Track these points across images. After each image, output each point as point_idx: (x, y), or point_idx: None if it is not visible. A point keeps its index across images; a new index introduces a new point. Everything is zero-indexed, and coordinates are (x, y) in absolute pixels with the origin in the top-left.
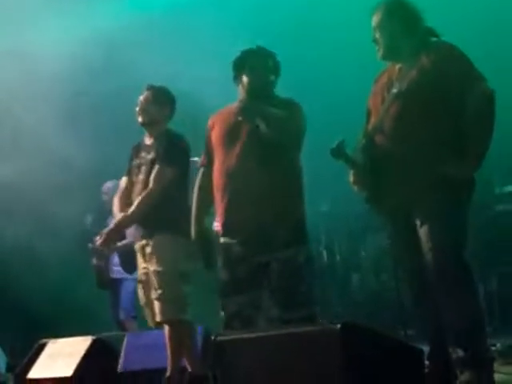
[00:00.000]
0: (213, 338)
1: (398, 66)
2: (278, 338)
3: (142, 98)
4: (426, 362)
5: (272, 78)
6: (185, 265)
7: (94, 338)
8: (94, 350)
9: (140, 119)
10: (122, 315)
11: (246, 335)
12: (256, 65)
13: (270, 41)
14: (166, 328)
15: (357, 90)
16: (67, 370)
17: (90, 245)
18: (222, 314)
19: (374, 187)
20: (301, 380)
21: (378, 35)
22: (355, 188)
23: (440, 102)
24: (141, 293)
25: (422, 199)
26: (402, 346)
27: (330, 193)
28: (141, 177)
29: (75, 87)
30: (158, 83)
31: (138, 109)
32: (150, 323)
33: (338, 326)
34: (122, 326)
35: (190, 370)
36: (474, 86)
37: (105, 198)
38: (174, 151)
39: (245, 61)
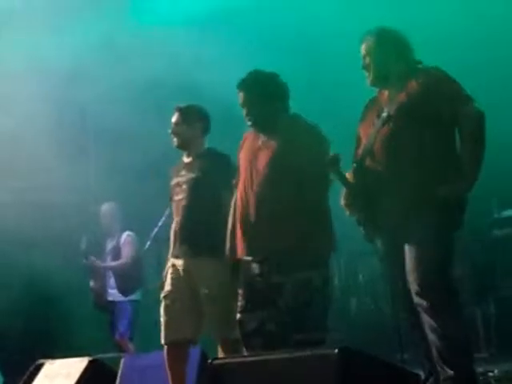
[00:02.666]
0: (209, 361)
1: (386, 93)
2: (276, 363)
3: (172, 120)
4: None
5: (273, 104)
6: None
7: (90, 359)
8: (91, 371)
9: (175, 143)
10: (117, 336)
11: (242, 359)
12: (250, 94)
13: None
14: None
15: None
16: None
17: (84, 261)
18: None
19: (365, 210)
20: None
21: (367, 62)
22: (346, 211)
23: (429, 125)
24: (167, 306)
25: (410, 220)
26: (399, 371)
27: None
28: (182, 195)
29: (76, 107)
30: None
31: (170, 132)
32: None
33: (335, 350)
34: (118, 347)
35: None
36: (464, 108)
37: (103, 220)
38: (226, 174)
39: (239, 91)
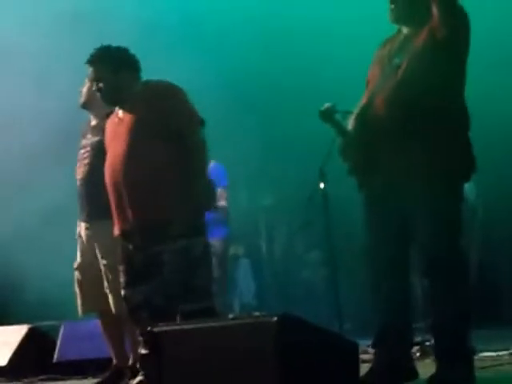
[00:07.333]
0: (148, 328)
1: (402, 35)
2: (215, 330)
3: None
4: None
5: (123, 76)
6: None
7: (29, 326)
8: (30, 338)
9: (80, 101)
10: None
11: (181, 327)
12: (99, 68)
13: None
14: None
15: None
16: (2, 359)
17: None
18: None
19: (361, 159)
20: (237, 371)
21: None
22: (341, 158)
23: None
24: (78, 278)
25: (416, 180)
26: (337, 339)
27: (273, 186)
28: (86, 160)
29: None
30: None
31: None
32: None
33: (275, 318)
34: None
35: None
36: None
37: None
38: None
39: (89, 66)
